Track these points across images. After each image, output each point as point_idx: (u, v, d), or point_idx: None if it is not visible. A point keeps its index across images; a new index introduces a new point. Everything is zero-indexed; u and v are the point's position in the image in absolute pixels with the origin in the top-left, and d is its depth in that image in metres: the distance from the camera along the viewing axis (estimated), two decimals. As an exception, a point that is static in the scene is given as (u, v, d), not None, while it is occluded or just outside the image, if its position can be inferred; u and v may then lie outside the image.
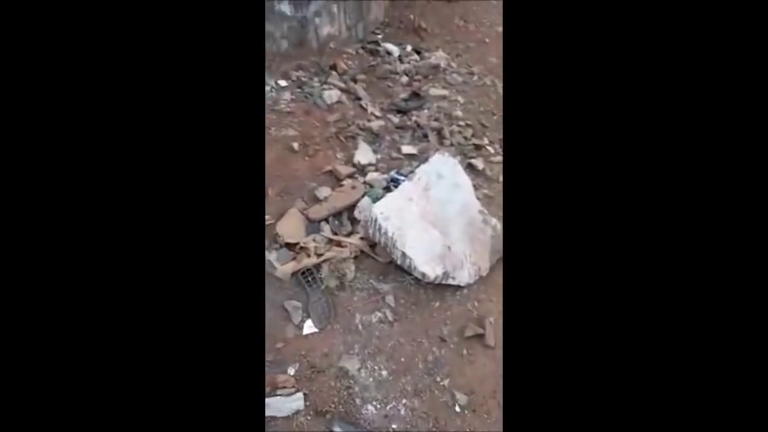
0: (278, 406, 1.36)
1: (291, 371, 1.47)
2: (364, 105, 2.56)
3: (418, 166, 2.03)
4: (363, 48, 3.07)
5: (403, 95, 2.70)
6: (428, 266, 1.69)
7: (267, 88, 2.47)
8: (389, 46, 3.12)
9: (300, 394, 1.40)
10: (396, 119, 2.54)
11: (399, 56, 3.08)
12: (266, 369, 1.46)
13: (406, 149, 2.32)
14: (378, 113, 2.55)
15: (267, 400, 1.37)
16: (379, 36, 3.24)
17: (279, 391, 1.40)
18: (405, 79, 2.88)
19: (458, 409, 1.44)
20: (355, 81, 2.76)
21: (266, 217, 1.84)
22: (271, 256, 1.72)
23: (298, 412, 1.37)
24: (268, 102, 2.41)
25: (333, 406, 1.40)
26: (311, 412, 1.38)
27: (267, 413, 1.35)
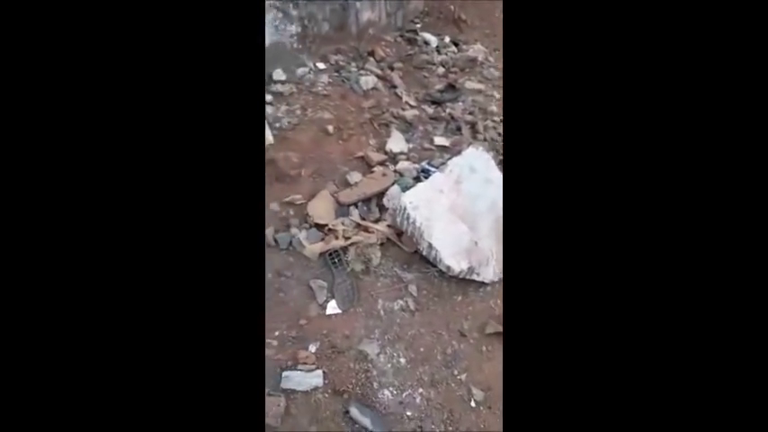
0: (298, 380, 1.39)
1: (313, 348, 1.49)
2: (399, 94, 2.55)
3: (450, 158, 2.01)
4: (402, 36, 3.04)
5: (439, 86, 2.67)
6: (453, 260, 1.69)
7: (306, 69, 2.48)
8: (428, 36, 3.07)
9: (320, 372, 1.43)
10: (430, 109, 2.52)
11: (437, 46, 3.04)
12: (288, 343, 1.50)
13: (439, 141, 2.30)
14: (412, 103, 2.53)
15: (288, 372, 1.41)
16: (418, 25, 3.20)
17: (299, 366, 1.43)
18: (441, 70, 2.84)
19: (473, 404, 1.45)
20: (392, 69, 2.74)
21: (298, 196, 1.87)
22: (300, 234, 1.74)
23: (316, 388, 1.40)
24: (306, 83, 2.42)
25: (350, 387, 1.43)
26: (329, 390, 1.41)
27: (287, 386, 1.38)
